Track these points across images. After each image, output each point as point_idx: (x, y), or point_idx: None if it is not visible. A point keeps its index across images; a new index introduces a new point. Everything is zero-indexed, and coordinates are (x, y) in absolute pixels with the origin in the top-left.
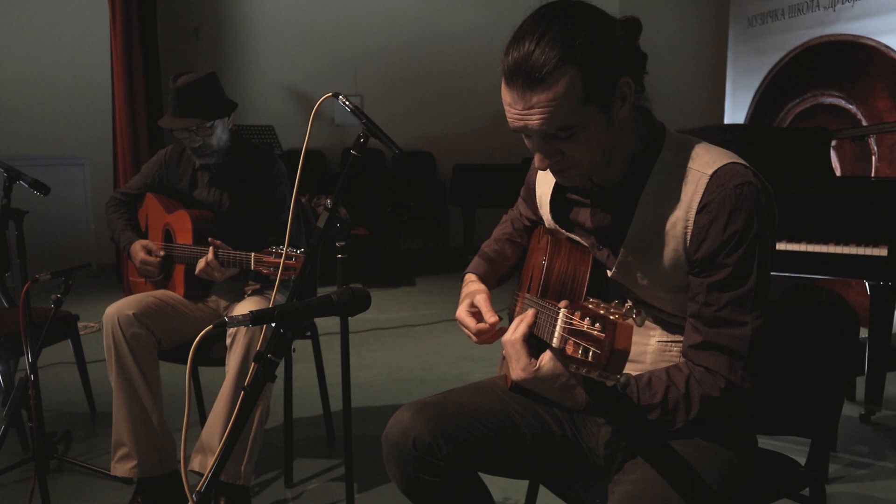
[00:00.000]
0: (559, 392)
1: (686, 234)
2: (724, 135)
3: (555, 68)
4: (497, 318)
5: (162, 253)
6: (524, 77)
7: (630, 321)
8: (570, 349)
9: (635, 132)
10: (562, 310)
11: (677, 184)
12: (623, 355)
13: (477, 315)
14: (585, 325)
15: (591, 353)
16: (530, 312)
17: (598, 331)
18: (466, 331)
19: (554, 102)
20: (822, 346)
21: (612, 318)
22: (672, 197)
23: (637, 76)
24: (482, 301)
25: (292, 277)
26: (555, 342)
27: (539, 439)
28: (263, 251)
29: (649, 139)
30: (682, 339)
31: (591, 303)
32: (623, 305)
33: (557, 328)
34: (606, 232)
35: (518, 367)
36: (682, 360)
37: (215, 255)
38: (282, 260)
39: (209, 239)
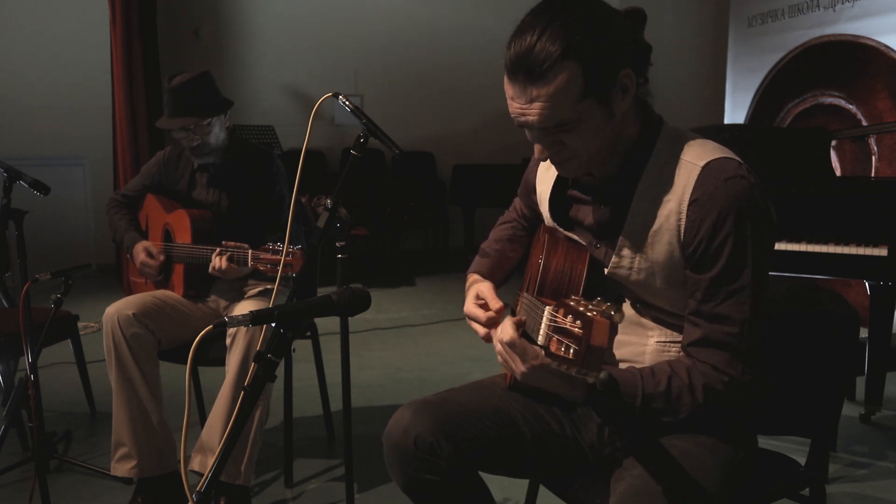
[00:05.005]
0: (568, 381)
1: (680, 226)
2: (724, 135)
3: (555, 63)
4: (502, 304)
5: (162, 258)
6: (525, 71)
7: (607, 318)
8: (553, 346)
9: (634, 124)
10: (546, 307)
11: (671, 176)
12: (599, 352)
13: (484, 306)
14: (568, 322)
15: (571, 350)
16: (516, 318)
17: (578, 328)
18: (475, 325)
19: (554, 97)
20: (822, 346)
21: (589, 314)
22: (666, 189)
23: (641, 68)
24: (486, 291)
25: (291, 274)
26: (540, 339)
27: (539, 438)
28: (261, 248)
29: (646, 131)
30: (680, 339)
31: (574, 300)
32: (604, 303)
33: (542, 326)
34: (604, 227)
35: (520, 363)
36: (683, 355)
37: (228, 258)
38: (280, 257)
39: (218, 249)
